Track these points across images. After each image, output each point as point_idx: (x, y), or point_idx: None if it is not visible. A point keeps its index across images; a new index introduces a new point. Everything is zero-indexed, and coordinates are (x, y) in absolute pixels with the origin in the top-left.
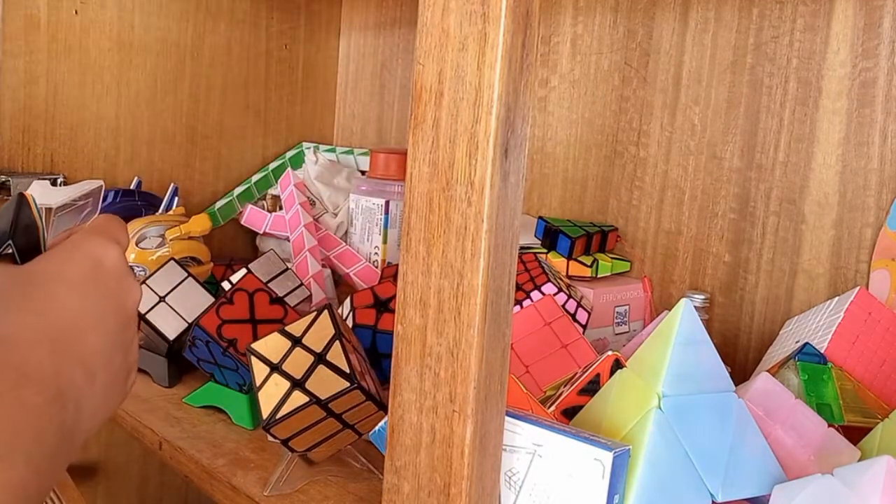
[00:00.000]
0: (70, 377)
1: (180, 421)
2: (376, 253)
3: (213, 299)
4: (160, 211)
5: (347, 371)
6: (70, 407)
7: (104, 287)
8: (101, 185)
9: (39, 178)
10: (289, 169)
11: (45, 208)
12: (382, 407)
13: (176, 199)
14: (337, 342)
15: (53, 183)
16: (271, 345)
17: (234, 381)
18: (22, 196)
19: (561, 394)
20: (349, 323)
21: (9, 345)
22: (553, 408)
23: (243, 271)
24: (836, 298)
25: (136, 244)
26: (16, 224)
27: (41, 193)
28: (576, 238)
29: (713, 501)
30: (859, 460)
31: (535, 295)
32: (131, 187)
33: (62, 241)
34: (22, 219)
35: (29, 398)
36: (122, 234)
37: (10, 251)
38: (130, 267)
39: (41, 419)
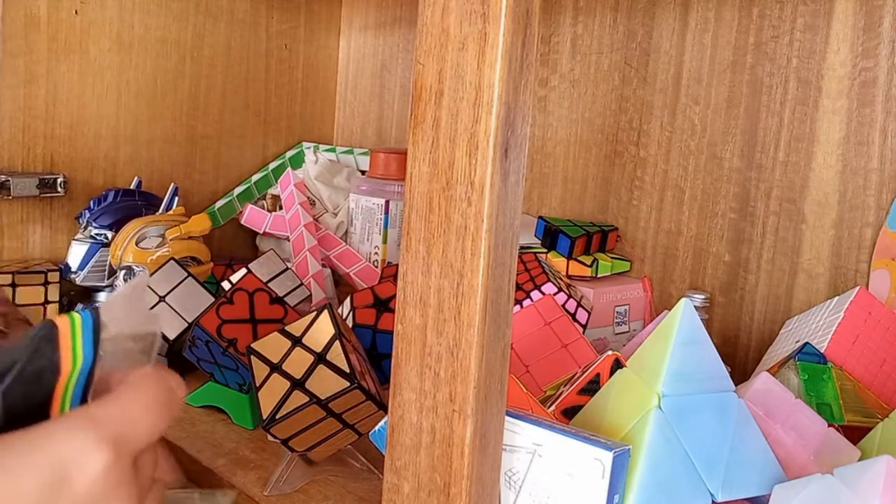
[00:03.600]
0: None
1: (180, 421)
2: (376, 253)
3: (213, 299)
4: (160, 211)
5: (347, 371)
6: None
7: None
8: (157, 334)
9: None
10: (289, 169)
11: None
12: (382, 407)
13: (176, 198)
14: (337, 342)
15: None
16: (271, 344)
17: (234, 380)
18: (51, 328)
19: (561, 393)
20: (349, 323)
21: None
22: (553, 407)
23: (243, 271)
24: (836, 298)
25: (136, 244)
26: (17, 367)
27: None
28: (576, 238)
29: (713, 501)
30: (859, 460)
31: (535, 295)
32: (131, 187)
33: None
34: (35, 361)
35: None
36: (141, 422)
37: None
38: (134, 475)
39: None
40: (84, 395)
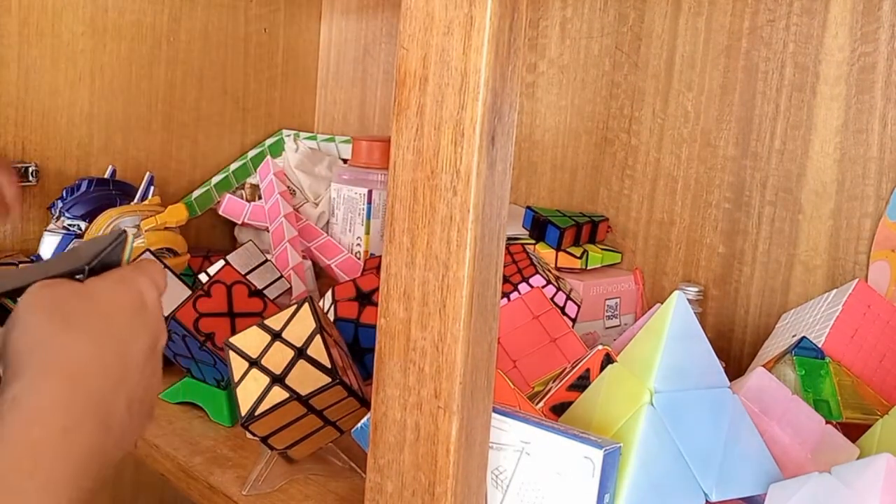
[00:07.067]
0: (115, 405)
1: (156, 418)
2: (358, 244)
3: (189, 292)
4: (135, 201)
5: (329, 366)
6: (114, 432)
7: (146, 323)
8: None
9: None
10: (268, 157)
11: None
12: (365, 403)
13: (151, 188)
14: (318, 336)
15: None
16: (250, 339)
17: (211, 376)
18: (123, 235)
19: (549, 390)
20: (330, 316)
21: (73, 376)
22: (541, 404)
23: (221, 263)
24: (834, 291)
25: None
26: (100, 257)
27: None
28: (565, 228)
29: (707, 501)
30: (858, 458)
31: (523, 287)
32: (105, 176)
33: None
34: (110, 255)
35: (86, 428)
36: (162, 278)
37: (81, 278)
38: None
39: (91, 447)
40: None
